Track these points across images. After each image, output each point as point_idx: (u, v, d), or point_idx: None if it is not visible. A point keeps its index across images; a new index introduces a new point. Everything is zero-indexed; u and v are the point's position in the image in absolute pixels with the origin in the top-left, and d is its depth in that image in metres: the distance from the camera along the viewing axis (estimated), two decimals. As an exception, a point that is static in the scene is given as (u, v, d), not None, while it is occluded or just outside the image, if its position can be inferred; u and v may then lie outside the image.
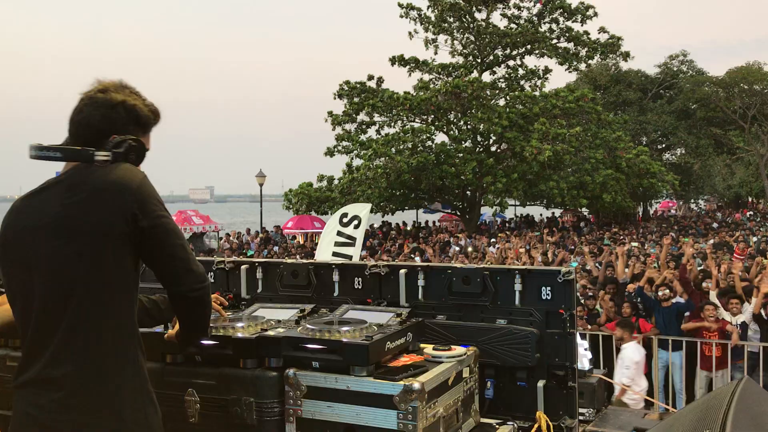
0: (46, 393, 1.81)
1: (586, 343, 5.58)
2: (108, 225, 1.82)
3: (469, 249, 16.95)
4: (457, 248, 18.38)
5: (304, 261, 3.53)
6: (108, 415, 1.82)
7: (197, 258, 2.09)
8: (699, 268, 10.44)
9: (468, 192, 26.69)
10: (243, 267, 3.36)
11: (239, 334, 2.44)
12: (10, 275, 1.93)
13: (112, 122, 1.92)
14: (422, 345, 2.64)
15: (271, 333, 2.47)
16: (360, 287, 3.17)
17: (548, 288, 2.78)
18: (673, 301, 8.41)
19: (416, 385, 2.20)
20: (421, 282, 3.02)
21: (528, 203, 27.38)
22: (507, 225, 29.54)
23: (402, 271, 3.06)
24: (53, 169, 2.00)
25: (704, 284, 9.15)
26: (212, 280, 3.32)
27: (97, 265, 1.82)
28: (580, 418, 3.28)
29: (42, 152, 1.88)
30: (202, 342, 2.35)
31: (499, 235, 21.69)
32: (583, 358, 4.38)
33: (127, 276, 1.89)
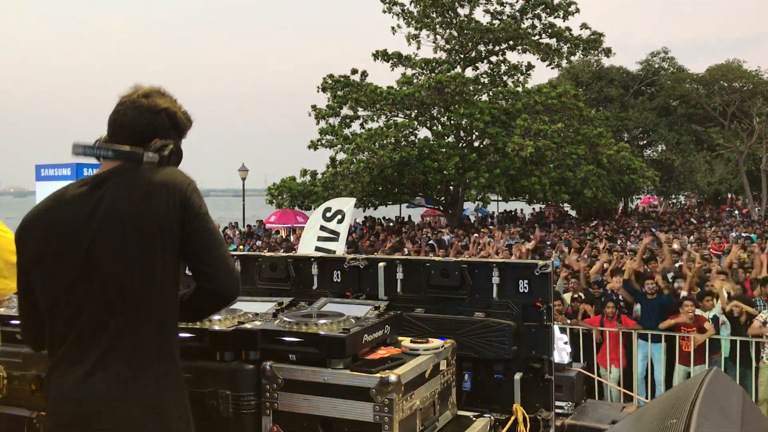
0: (93, 395, 1.83)
1: (565, 337, 5.63)
2: (159, 224, 1.88)
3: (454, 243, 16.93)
4: (439, 241, 18.35)
5: (283, 254, 3.52)
6: (153, 420, 1.86)
7: None
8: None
9: (451, 187, 26.75)
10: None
11: (216, 327, 2.43)
12: (50, 270, 1.93)
13: (155, 127, 2.01)
14: (400, 338, 2.65)
15: (248, 326, 2.46)
16: (339, 280, 3.17)
17: (525, 281, 2.80)
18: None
19: (392, 378, 2.20)
20: (399, 275, 3.03)
21: (510, 199, 27.49)
22: (490, 220, 29.66)
23: (381, 264, 3.07)
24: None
25: (676, 284, 9.23)
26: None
27: (148, 263, 1.88)
28: (558, 411, 3.31)
29: (91, 150, 1.98)
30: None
31: (482, 230, 21.75)
32: (563, 352, 4.42)
33: (174, 275, 1.95)
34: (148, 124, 2.00)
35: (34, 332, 2.03)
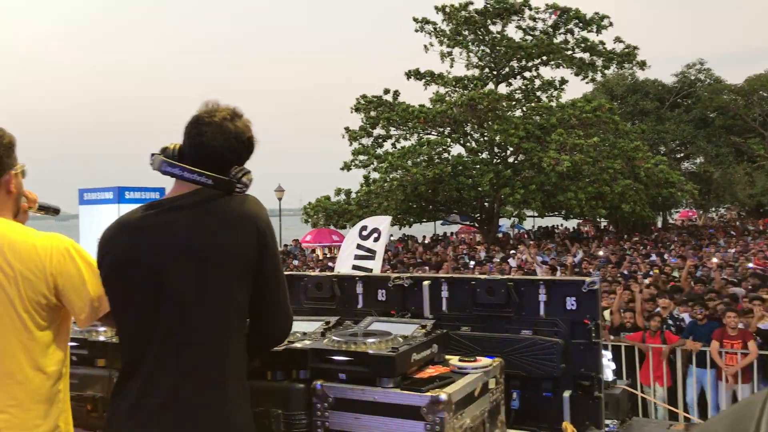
0: (171, 419, 1.82)
1: (609, 354, 5.55)
2: (240, 254, 1.86)
3: (495, 260, 16.78)
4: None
5: (328, 273, 3.56)
6: None
7: None
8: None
9: (486, 203, 26.65)
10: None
11: (266, 347, 2.46)
12: (122, 296, 1.92)
13: (239, 154, 1.97)
14: (447, 356, 2.65)
15: (297, 345, 2.49)
16: (384, 299, 3.19)
17: (573, 298, 2.78)
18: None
19: (443, 396, 2.20)
20: (445, 293, 3.04)
21: (546, 214, 27.28)
22: (527, 236, 29.44)
23: (426, 283, 3.08)
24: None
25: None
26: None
27: (225, 291, 1.86)
28: (605, 429, 3.26)
29: (189, 174, 1.91)
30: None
31: (519, 246, 21.59)
32: (607, 369, 4.35)
33: (245, 305, 1.92)
34: (233, 152, 1.94)
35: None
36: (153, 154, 2.00)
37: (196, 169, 1.90)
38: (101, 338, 2.66)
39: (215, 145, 1.92)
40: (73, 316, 2.12)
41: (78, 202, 18.42)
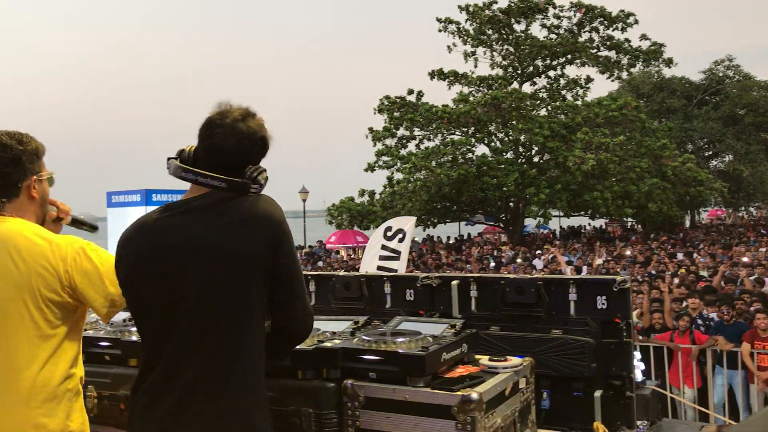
0: (186, 422, 1.82)
1: (638, 354, 5.49)
2: (255, 254, 1.86)
3: (518, 260, 16.76)
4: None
5: (357, 273, 3.57)
6: None
7: None
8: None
9: (510, 203, 26.52)
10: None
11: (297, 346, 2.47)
12: (139, 298, 1.94)
13: (251, 154, 1.97)
14: (477, 356, 2.64)
15: (327, 344, 2.50)
16: (412, 299, 3.19)
17: (603, 297, 2.76)
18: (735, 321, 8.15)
19: (474, 396, 2.20)
20: (473, 293, 3.03)
21: (572, 214, 27.08)
22: (553, 236, 29.24)
23: (454, 283, 3.07)
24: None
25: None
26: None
27: (241, 291, 1.86)
28: (636, 430, 3.23)
29: (193, 177, 1.93)
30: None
31: (545, 246, 21.44)
32: (636, 369, 4.31)
33: (262, 306, 1.92)
34: (245, 152, 1.95)
35: None
36: (169, 159, 2.02)
37: (210, 173, 1.91)
38: (133, 338, 2.69)
39: (227, 146, 1.93)
40: (94, 312, 2.16)
41: (106, 204, 18.69)
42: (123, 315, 2.83)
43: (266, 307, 1.94)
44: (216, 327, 1.84)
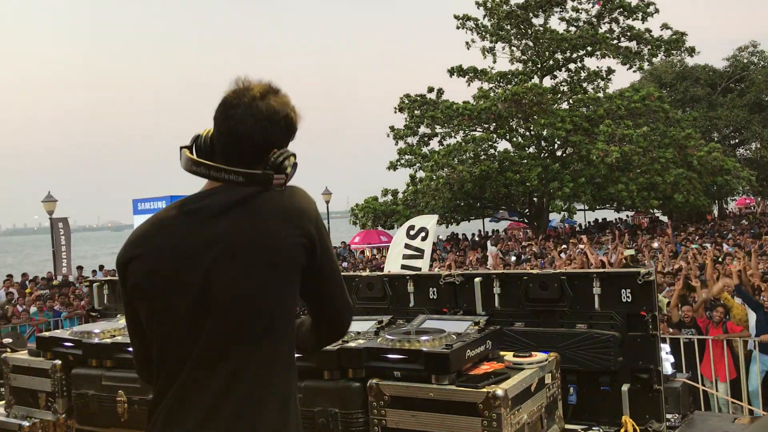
0: None
1: (667, 347, 5.43)
2: (289, 252, 1.67)
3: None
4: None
5: (379, 273, 3.58)
6: None
7: None
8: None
9: (534, 198, 26.35)
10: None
11: (321, 347, 2.49)
12: (158, 304, 1.69)
13: (275, 137, 1.72)
14: (502, 352, 2.64)
15: (352, 344, 2.51)
16: (435, 297, 3.19)
17: (628, 290, 2.74)
18: None
19: (500, 392, 2.20)
20: (497, 290, 3.02)
21: (597, 207, 26.81)
22: (578, 230, 28.98)
23: (477, 280, 3.07)
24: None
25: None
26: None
27: (273, 293, 1.67)
28: (666, 423, 3.20)
29: (215, 173, 1.67)
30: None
31: (570, 240, 21.28)
32: (666, 362, 4.27)
33: (294, 307, 1.75)
34: (267, 135, 1.70)
35: (146, 365, 1.79)
36: (182, 148, 1.75)
37: (224, 167, 1.67)
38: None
39: (244, 130, 1.68)
40: None
41: (132, 212, 18.92)
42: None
43: (295, 309, 1.79)
44: (247, 334, 1.64)
